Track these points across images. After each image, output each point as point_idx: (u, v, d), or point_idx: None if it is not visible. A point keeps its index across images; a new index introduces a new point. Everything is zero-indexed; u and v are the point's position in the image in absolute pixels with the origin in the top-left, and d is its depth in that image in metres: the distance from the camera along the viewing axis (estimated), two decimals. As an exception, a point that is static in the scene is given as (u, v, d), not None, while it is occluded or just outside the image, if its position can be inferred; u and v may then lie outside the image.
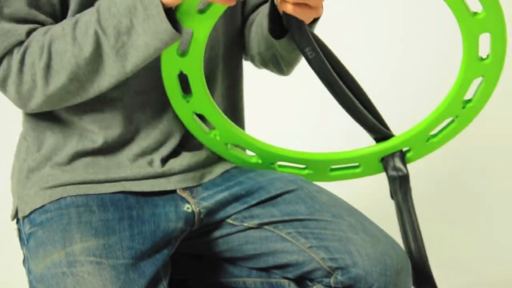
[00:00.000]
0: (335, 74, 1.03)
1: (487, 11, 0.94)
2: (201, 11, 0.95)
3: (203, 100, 1.04)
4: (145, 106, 1.04)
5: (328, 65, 1.02)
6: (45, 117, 1.03)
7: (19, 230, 1.05)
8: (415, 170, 1.15)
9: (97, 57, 0.93)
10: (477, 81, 1.04)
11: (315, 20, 1.04)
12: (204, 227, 1.05)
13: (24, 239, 1.02)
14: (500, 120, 2.03)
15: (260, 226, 1.04)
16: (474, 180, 2.04)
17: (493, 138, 1.92)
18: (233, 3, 0.92)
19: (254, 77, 1.29)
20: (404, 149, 1.10)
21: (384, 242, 1.01)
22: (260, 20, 1.10)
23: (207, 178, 1.08)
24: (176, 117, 1.06)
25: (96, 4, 0.94)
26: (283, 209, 1.04)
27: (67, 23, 0.94)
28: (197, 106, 1.05)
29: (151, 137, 1.04)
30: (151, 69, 0.99)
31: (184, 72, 1.01)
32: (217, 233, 1.06)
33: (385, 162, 1.10)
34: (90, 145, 1.02)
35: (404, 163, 1.09)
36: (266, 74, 1.23)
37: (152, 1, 0.90)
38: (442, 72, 1.83)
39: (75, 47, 0.92)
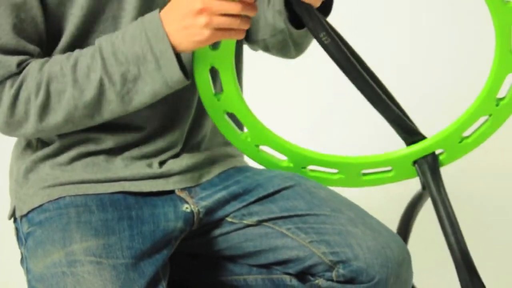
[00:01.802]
0: (353, 60, 1.00)
1: None
2: (215, 48, 0.97)
3: (234, 97, 1.02)
4: (154, 118, 1.04)
5: (345, 51, 0.99)
6: None
7: (17, 229, 1.04)
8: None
9: (97, 102, 0.94)
10: (508, 80, 1.01)
11: (328, 9, 1.03)
12: (204, 226, 1.05)
13: (22, 238, 1.02)
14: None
15: (259, 223, 1.04)
16: (476, 181, 2.04)
17: (494, 138, 1.92)
18: (242, 37, 0.93)
19: (253, 75, 1.29)
20: (438, 152, 1.07)
21: (385, 234, 1.01)
22: (265, 8, 1.09)
23: (205, 178, 1.08)
24: (182, 130, 1.06)
25: (96, 43, 0.94)
26: (282, 205, 1.04)
27: (64, 62, 0.94)
28: (228, 104, 1.03)
29: (155, 145, 1.05)
30: None
31: (216, 67, 1.00)
32: (217, 232, 1.06)
33: (418, 165, 1.06)
34: (93, 148, 1.03)
35: (437, 165, 1.06)
36: (266, 73, 1.22)
37: (165, 52, 0.91)
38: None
39: (75, 89, 0.93)
